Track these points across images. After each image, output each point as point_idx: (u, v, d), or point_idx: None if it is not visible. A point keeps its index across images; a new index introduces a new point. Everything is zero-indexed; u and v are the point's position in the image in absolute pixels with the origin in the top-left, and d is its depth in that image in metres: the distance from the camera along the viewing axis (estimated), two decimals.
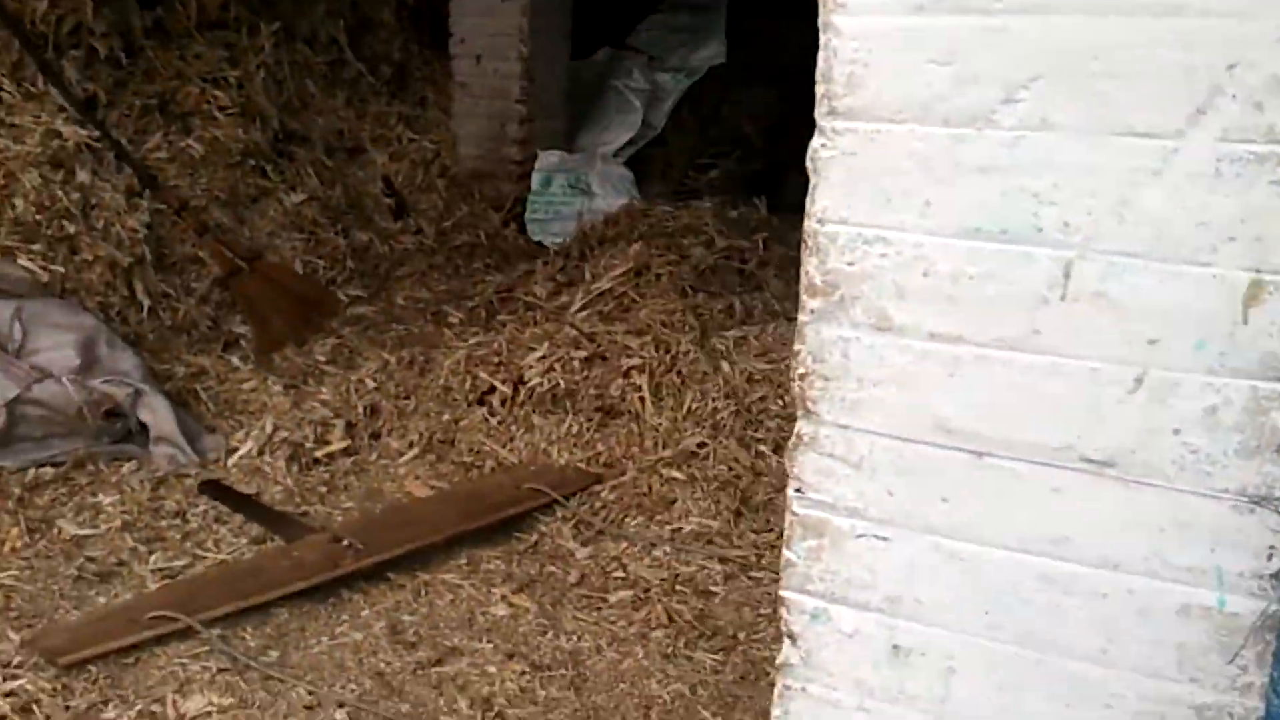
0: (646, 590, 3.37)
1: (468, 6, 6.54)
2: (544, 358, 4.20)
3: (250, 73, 6.09)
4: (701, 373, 4.00)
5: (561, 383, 4.11)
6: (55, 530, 3.61)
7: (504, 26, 6.44)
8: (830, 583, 1.53)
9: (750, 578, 3.41)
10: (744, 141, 7.01)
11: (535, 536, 3.69)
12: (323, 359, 5.12)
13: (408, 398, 4.39)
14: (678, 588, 3.38)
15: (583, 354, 4.14)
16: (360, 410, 4.32)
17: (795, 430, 1.53)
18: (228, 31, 6.20)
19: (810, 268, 1.49)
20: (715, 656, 3.07)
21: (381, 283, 5.96)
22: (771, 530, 3.56)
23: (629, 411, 4.02)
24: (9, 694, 2.70)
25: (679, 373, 4.03)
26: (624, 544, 3.58)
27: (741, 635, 3.18)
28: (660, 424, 3.95)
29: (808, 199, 1.50)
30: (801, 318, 1.50)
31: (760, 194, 6.27)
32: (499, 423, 4.15)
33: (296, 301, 5.44)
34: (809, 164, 1.48)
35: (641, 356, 4.07)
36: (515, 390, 4.20)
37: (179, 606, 3.09)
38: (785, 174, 7.02)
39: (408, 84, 7.09)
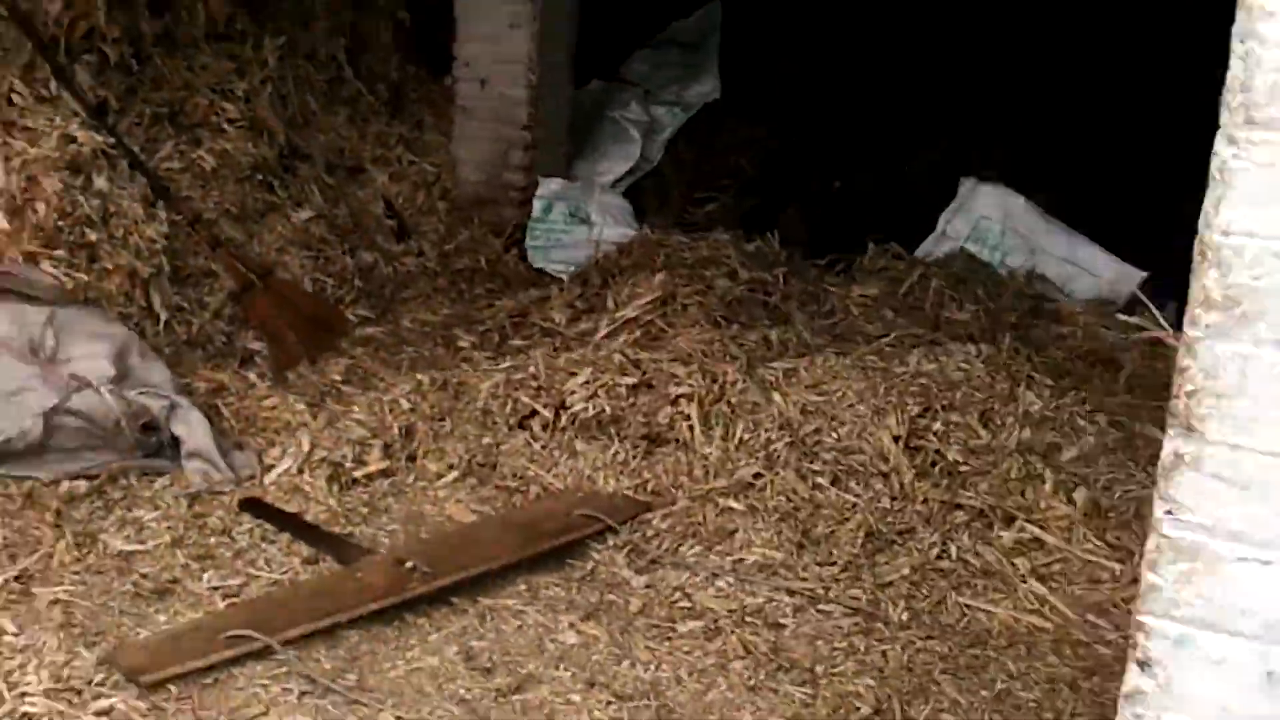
0: (716, 621, 3.31)
1: (474, 31, 6.46)
2: (587, 383, 4.13)
3: (256, 86, 5.96)
4: (752, 403, 3.96)
5: (607, 409, 4.05)
6: (101, 545, 3.47)
7: (512, 53, 6.37)
8: (1200, 608, 1.49)
9: (820, 610, 3.36)
10: (740, 176, 7.00)
11: (590, 564, 3.61)
12: (338, 378, 5.00)
13: (443, 420, 4.29)
14: (747, 619, 3.32)
15: (629, 380, 4.08)
16: (396, 431, 4.21)
17: (1170, 450, 1.48)
18: (232, 43, 6.07)
19: (1208, 281, 1.44)
20: (802, 690, 3.02)
21: (387, 304, 5.84)
22: (835, 563, 3.52)
23: (677, 440, 3.97)
24: (102, 713, 2.57)
25: (728, 402, 3.98)
26: (685, 573, 3.51)
27: (819, 669, 3.13)
28: (710, 453, 3.89)
29: (1207, 209, 1.43)
30: (1193, 333, 1.45)
31: (757, 229, 6.27)
32: (541, 448, 4.07)
33: (308, 320, 5.32)
34: (1213, 174, 1.43)
35: (689, 385, 4.01)
36: (557, 415, 4.12)
37: (252, 626, 2.98)
38: (781, 210, 7.03)
39: (404, 105, 6.99)
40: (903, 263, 5.33)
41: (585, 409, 4.06)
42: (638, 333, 4.72)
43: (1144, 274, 5.39)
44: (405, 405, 4.33)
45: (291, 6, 6.51)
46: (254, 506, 3.79)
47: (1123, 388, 4.51)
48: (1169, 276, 5.52)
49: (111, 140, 5.03)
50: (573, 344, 4.92)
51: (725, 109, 7.19)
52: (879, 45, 7.36)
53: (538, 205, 6.52)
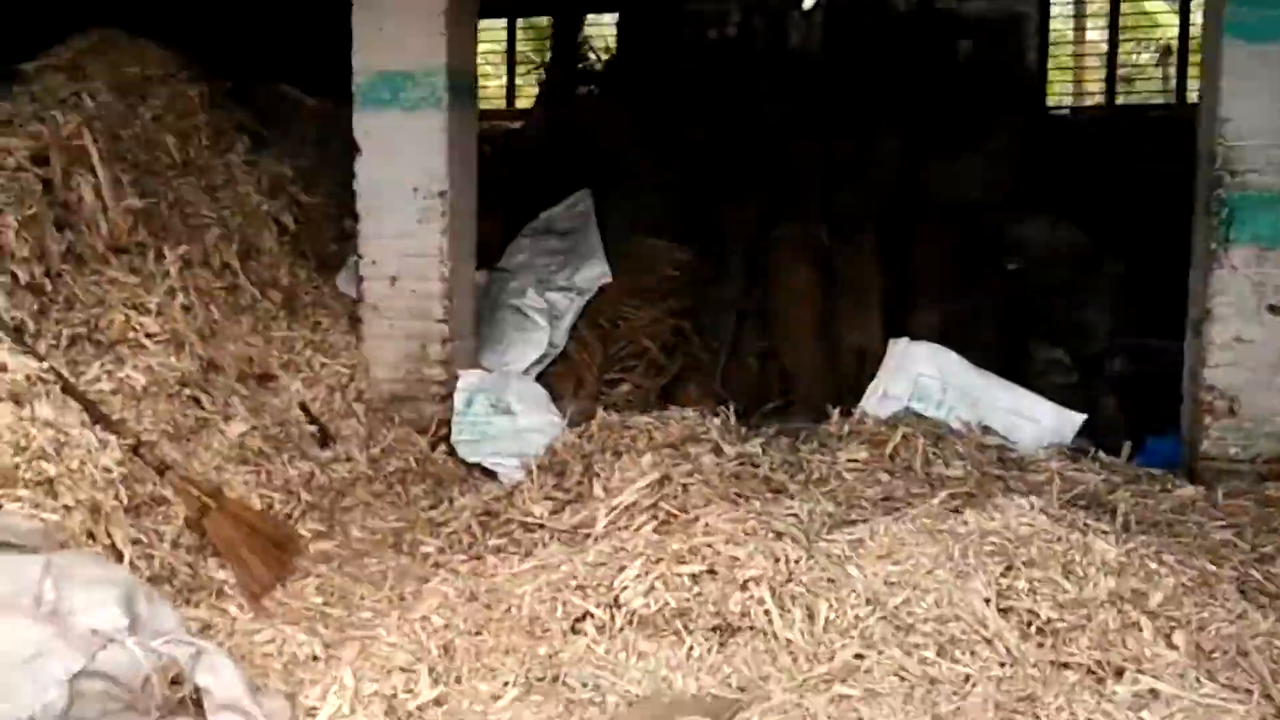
0: None
1: (379, 229, 6.11)
2: (639, 576, 3.73)
3: (165, 299, 5.39)
4: (826, 580, 3.65)
5: (671, 601, 3.65)
6: None
7: (423, 247, 6.04)
8: None
9: None
10: (645, 355, 6.77)
11: None
12: (320, 600, 4.45)
13: (480, 633, 3.79)
14: None
15: (690, 569, 3.70)
16: (435, 652, 3.69)
17: None
18: (133, 255, 5.51)
19: None
20: None
21: (330, 515, 5.27)
22: None
23: (753, 628, 3.60)
24: None
25: (800, 581, 3.66)
26: None
27: None
28: (792, 638, 3.54)
29: None
30: None
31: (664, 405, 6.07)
32: (605, 651, 3.62)
33: (265, 540, 4.72)
34: None
35: (755, 567, 3.67)
36: (611, 614, 3.70)
37: None
38: (681, 387, 6.85)
39: (297, 309, 6.49)
40: (868, 426, 5.14)
41: (646, 604, 3.65)
42: (642, 518, 4.37)
43: (1084, 416, 5.40)
44: (438, 621, 3.82)
45: (182, 216, 6.01)
46: None
47: (1121, 527, 4.41)
48: None
49: (44, 365, 4.39)
50: (563, 537, 4.54)
51: (619, 291, 6.98)
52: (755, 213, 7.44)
53: (459, 399, 6.12)
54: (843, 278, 7.59)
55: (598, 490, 4.63)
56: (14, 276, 4.75)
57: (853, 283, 7.55)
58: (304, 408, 5.81)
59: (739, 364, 7.23)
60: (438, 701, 3.53)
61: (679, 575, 3.70)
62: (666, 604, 3.65)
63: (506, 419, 6.11)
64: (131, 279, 5.34)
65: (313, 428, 5.74)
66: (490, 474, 5.92)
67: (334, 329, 6.41)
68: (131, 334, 5.10)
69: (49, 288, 4.90)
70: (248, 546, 4.58)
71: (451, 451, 6.04)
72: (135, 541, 4.24)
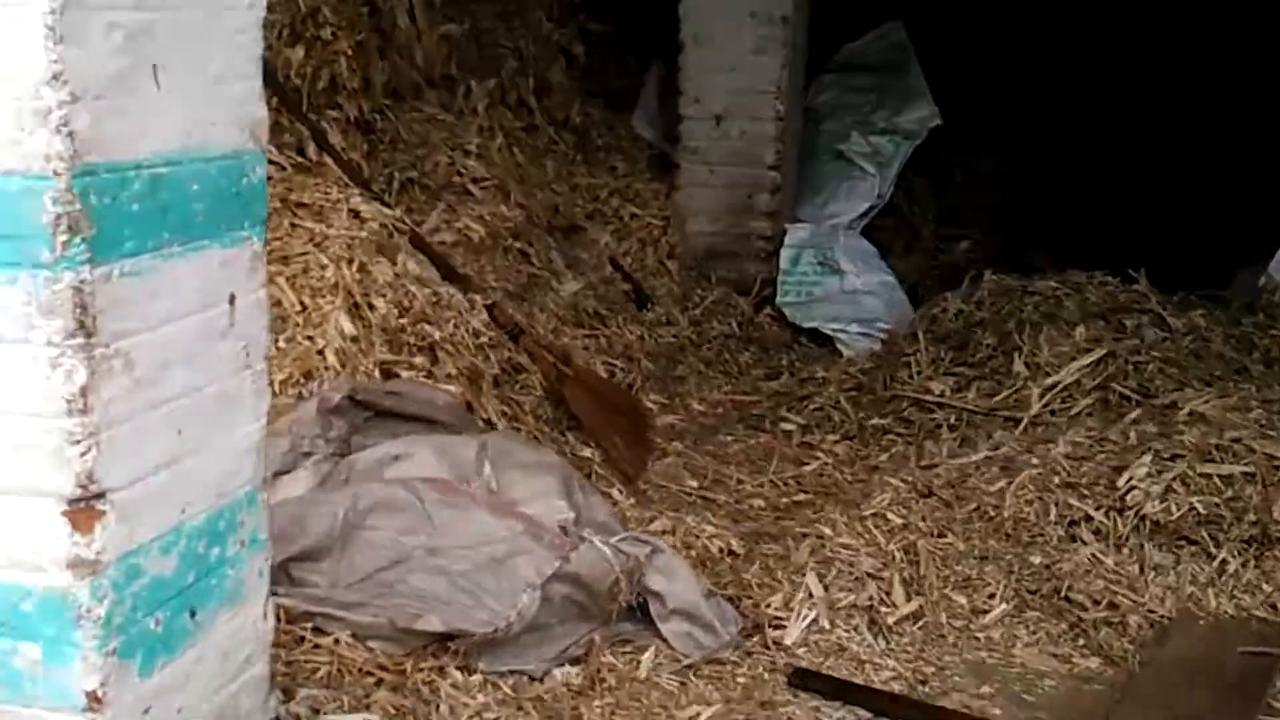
0: None
1: (705, 62, 5.56)
2: (1151, 475, 3.24)
3: (485, 140, 4.99)
4: None
5: (1197, 506, 3.16)
6: None
7: (757, 82, 5.49)
8: None
9: None
10: (988, 210, 6.18)
11: None
12: (695, 484, 4.08)
13: (943, 535, 3.37)
14: None
15: (1221, 469, 3.20)
16: (897, 557, 3.28)
17: None
18: (441, 91, 5.10)
19: None
20: None
21: (663, 384, 4.89)
22: None
23: None
24: None
25: None
26: None
27: None
28: None
29: None
30: None
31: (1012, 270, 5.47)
32: (1114, 563, 3.17)
33: (617, 414, 4.34)
34: None
35: None
36: (1114, 520, 3.24)
37: None
38: (1025, 248, 6.24)
39: (589, 151, 6.03)
40: None
41: (1166, 508, 3.17)
42: (1086, 401, 3.88)
43: None
44: (895, 520, 3.40)
45: (479, 46, 5.55)
46: (810, 680, 2.83)
47: None
48: None
49: (396, 213, 4.03)
50: (978, 420, 4.08)
51: (953, 136, 6.35)
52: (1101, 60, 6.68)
53: (786, 256, 5.64)
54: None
55: (1018, 366, 4.14)
56: (344, 112, 4.40)
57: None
58: (615, 263, 5.40)
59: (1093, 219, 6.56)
60: (914, 616, 3.13)
61: (1205, 475, 3.20)
62: (1191, 509, 3.17)
63: (835, 278, 5.63)
64: (448, 117, 4.96)
65: (627, 286, 5.34)
66: (820, 340, 5.48)
67: (635, 175, 5.96)
68: (456, 178, 4.74)
69: (378, 125, 4.54)
70: (606, 421, 4.21)
71: (776, 315, 5.59)
72: (502, 414, 3.90)
